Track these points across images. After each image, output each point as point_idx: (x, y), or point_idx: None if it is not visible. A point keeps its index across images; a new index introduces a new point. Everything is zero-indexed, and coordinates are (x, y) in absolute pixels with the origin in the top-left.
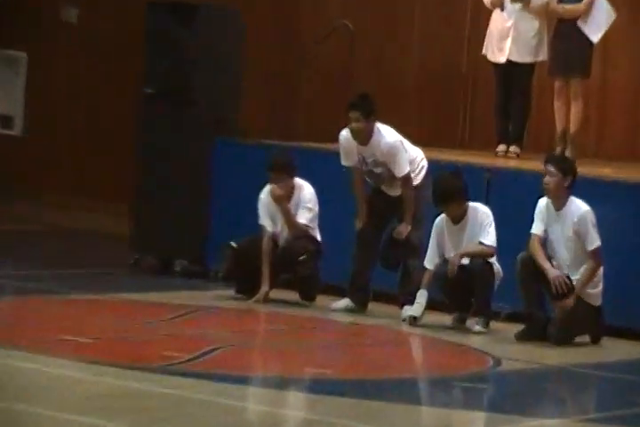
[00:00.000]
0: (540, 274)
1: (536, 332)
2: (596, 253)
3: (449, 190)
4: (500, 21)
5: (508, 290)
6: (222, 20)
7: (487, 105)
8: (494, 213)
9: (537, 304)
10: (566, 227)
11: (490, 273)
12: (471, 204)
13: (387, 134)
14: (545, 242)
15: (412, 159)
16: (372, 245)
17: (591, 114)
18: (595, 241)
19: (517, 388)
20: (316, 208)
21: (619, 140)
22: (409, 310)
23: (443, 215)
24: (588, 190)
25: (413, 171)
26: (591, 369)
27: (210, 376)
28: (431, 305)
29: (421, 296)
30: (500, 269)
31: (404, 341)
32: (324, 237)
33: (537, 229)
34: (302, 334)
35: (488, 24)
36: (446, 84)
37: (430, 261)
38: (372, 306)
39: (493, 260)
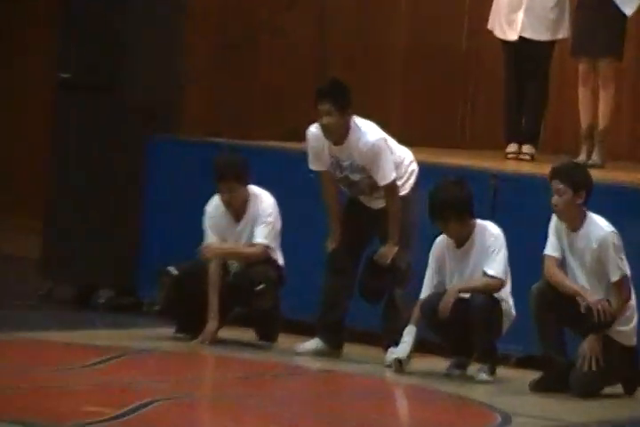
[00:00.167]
0: (560, 308)
1: (555, 381)
2: (622, 285)
3: (449, 204)
4: None
5: (521, 328)
6: None
7: (494, 93)
8: (504, 231)
9: (557, 346)
10: (585, 252)
11: (495, 312)
12: (479, 222)
13: (367, 131)
14: (562, 266)
15: (399, 163)
16: (347, 272)
17: (624, 105)
18: (619, 270)
19: None
20: (278, 224)
21: None
22: (394, 353)
23: (443, 235)
24: (618, 201)
25: (400, 177)
26: None
27: None
28: (425, 347)
29: (409, 334)
30: (512, 308)
31: (389, 392)
32: (288, 260)
33: (552, 248)
34: (260, 385)
35: None
36: (442, 67)
37: (426, 294)
38: (347, 348)
39: (505, 294)
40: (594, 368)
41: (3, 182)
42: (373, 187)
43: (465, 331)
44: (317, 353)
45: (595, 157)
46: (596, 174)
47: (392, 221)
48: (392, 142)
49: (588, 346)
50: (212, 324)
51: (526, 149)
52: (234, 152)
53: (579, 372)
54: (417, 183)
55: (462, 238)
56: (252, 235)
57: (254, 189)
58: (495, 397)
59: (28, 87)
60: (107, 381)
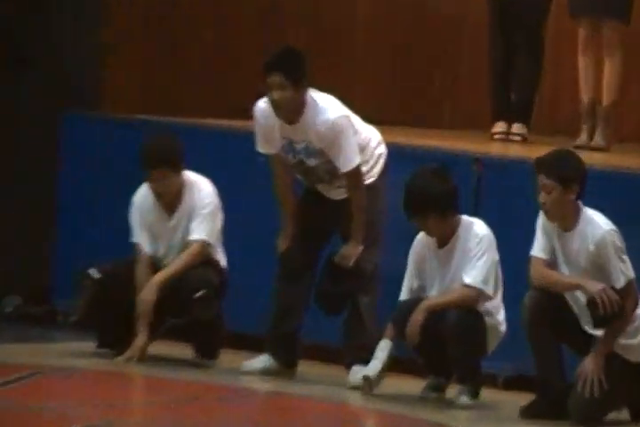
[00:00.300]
0: (558, 322)
1: (550, 405)
2: (628, 291)
3: (430, 197)
4: None
5: (509, 342)
6: None
7: (478, 63)
8: (490, 228)
9: (553, 365)
10: (581, 255)
11: (476, 328)
12: (465, 218)
13: (326, 107)
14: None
15: (365, 145)
16: (303, 276)
17: (632, 76)
18: (623, 275)
19: None
20: (219, 217)
21: None
22: (360, 372)
23: (424, 234)
24: (625, 190)
25: (366, 162)
26: None
27: None
28: (401, 365)
29: (382, 349)
30: (502, 323)
31: (352, 419)
32: (232, 262)
33: (540, 249)
34: (198, 410)
35: None
36: (415, 33)
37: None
38: (302, 366)
39: (492, 307)
40: (596, 393)
41: None
42: (334, 174)
43: (443, 346)
44: (267, 372)
45: (598, 139)
46: (599, 159)
47: (356, 214)
48: (356, 120)
49: (589, 366)
50: (141, 337)
51: (516, 128)
52: (166, 132)
53: (579, 396)
54: (385, 169)
55: (444, 237)
56: (187, 231)
57: (191, 175)
58: (478, 424)
59: None
60: (15, 405)
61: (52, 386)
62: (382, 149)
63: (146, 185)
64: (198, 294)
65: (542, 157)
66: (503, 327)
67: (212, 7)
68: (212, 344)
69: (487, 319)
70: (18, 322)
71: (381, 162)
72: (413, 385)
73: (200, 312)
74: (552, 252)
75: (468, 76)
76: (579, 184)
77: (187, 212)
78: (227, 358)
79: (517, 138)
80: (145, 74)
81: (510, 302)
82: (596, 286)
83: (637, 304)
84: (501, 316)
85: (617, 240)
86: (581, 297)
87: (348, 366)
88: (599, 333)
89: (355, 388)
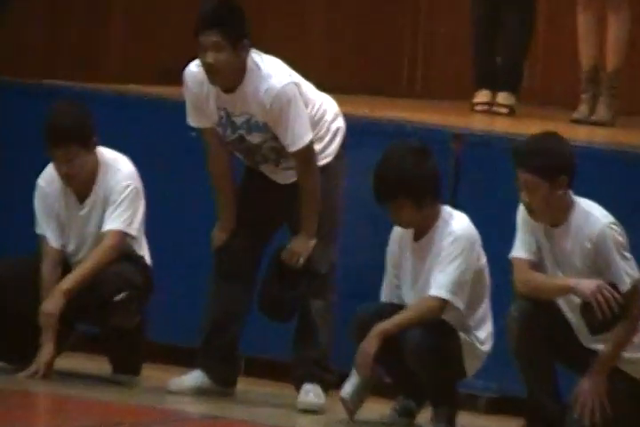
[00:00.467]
0: (551, 334)
1: None
2: (634, 294)
3: (401, 178)
4: None
5: (492, 359)
6: None
7: (457, 22)
8: (469, 216)
9: (545, 384)
10: (574, 255)
11: (443, 349)
12: (447, 209)
13: (271, 73)
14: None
15: (318, 118)
16: (243, 276)
17: None
18: (627, 276)
19: None
20: (141, 204)
21: None
22: (311, 393)
23: None
24: (632, 171)
25: (320, 140)
26: None
27: None
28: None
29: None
30: (486, 341)
31: None
32: (157, 259)
33: (523, 249)
34: None
35: None
36: None
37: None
38: (243, 384)
39: (473, 322)
40: (597, 419)
41: None
42: (281, 153)
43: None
44: (200, 392)
45: (600, 111)
46: (601, 135)
47: (307, 202)
48: (308, 89)
49: (588, 386)
50: (46, 349)
51: (503, 98)
52: (72, 101)
53: (576, 423)
54: (344, 148)
55: (420, 229)
56: (102, 220)
57: (106, 153)
58: None
59: None
60: None
61: None
62: (340, 124)
63: (52, 166)
64: (117, 297)
65: (519, 146)
66: (486, 346)
67: None
68: (134, 358)
69: (463, 337)
70: None
71: (338, 139)
72: (380, 407)
73: (119, 319)
74: (537, 251)
75: (444, 35)
76: (568, 174)
77: (101, 197)
78: (151, 374)
79: (503, 110)
80: (51, 30)
81: (496, 308)
82: (589, 286)
83: None
84: (484, 332)
85: (618, 235)
86: (571, 301)
87: (298, 385)
88: (600, 347)
89: (306, 411)
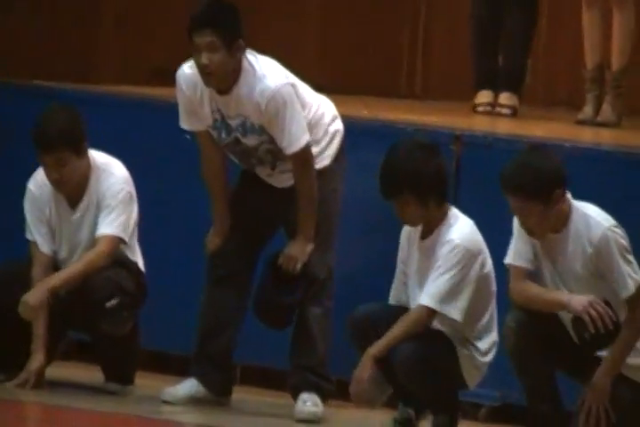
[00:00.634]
0: (550, 343)
1: None
2: (637, 301)
3: (406, 173)
4: None
5: (493, 367)
6: None
7: (457, 21)
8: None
9: (546, 392)
10: (575, 261)
11: (434, 362)
12: (454, 212)
13: (266, 74)
14: (534, 280)
15: (316, 121)
16: (237, 282)
17: None
18: (631, 280)
19: None
20: (134, 209)
21: None
22: (308, 402)
23: None
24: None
25: (317, 142)
26: None
27: None
28: None
29: None
30: (486, 352)
31: None
32: (150, 265)
33: (518, 256)
34: None
35: None
36: None
37: (393, 299)
38: (238, 393)
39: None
40: None
41: None
42: (277, 155)
43: None
44: (194, 401)
45: (606, 112)
46: (607, 136)
47: (304, 206)
48: (305, 90)
49: (592, 394)
50: (36, 358)
51: (505, 98)
52: (62, 104)
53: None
54: (342, 151)
55: (427, 227)
56: (95, 226)
57: (98, 157)
58: None
59: None
60: None
61: None
62: (338, 126)
63: (41, 170)
64: (109, 304)
65: (505, 172)
66: (488, 357)
67: None
68: (127, 366)
69: (460, 348)
70: None
71: (336, 142)
72: (381, 417)
73: (111, 326)
74: (534, 260)
75: (444, 37)
76: (560, 186)
77: (94, 202)
78: (144, 383)
79: (506, 110)
80: (44, 31)
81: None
82: (580, 302)
83: None
84: (486, 343)
85: (620, 238)
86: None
87: (295, 394)
88: (604, 353)
89: (303, 421)
